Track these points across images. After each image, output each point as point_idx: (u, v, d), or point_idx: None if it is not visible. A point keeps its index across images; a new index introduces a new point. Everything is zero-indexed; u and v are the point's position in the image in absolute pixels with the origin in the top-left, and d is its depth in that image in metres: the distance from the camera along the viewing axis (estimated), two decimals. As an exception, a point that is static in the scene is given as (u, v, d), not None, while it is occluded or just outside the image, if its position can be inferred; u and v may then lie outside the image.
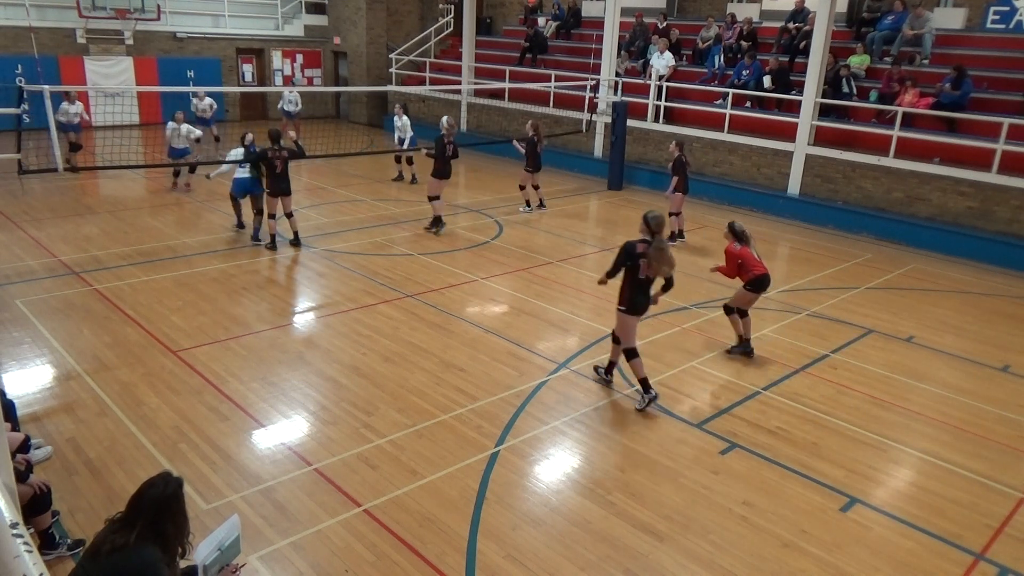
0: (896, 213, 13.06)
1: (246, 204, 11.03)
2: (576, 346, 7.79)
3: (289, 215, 10.48)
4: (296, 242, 10.58)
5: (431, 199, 11.65)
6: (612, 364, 6.89)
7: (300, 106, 18.82)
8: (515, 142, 13.79)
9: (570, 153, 17.89)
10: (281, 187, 10.18)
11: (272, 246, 10.38)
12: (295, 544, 4.59)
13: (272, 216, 10.36)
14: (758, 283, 7.51)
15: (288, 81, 23.74)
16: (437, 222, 11.66)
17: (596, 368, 7.09)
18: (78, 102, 14.86)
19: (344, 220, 12.21)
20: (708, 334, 8.24)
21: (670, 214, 11.55)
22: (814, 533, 4.97)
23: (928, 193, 12.73)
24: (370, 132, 21.54)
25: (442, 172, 11.59)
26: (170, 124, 13.49)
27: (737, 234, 7.60)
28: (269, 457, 5.50)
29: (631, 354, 6.49)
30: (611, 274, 6.51)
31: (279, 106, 19.07)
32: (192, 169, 13.73)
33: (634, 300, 6.42)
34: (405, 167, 15.58)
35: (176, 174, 13.94)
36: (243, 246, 10.61)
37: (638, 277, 6.36)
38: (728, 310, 7.75)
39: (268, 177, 10.10)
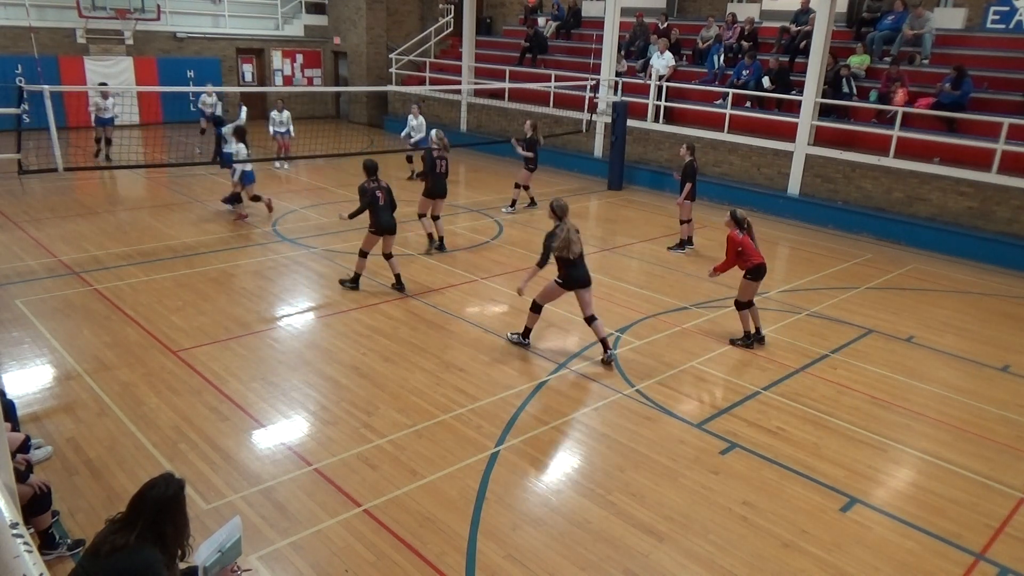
0: (896, 213, 13.06)
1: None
2: (576, 346, 7.79)
3: (388, 256, 8.95)
4: (399, 285, 9.00)
5: (420, 216, 10.75)
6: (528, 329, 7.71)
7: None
8: (515, 143, 13.46)
9: (570, 153, 17.90)
10: (384, 223, 8.72)
11: (355, 285, 9.01)
12: (295, 544, 4.59)
13: (364, 255, 8.91)
14: (757, 272, 7.69)
15: (289, 81, 23.72)
16: (431, 240, 10.74)
17: (516, 336, 7.77)
18: (111, 97, 15.40)
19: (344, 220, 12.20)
20: (708, 334, 8.24)
21: (681, 222, 11.43)
22: (814, 533, 4.97)
23: (928, 193, 12.73)
24: (370, 132, 21.57)
25: (433, 190, 10.55)
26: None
27: (739, 222, 7.74)
28: (269, 457, 5.50)
29: (537, 308, 7.57)
30: (542, 264, 7.35)
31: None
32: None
33: (571, 275, 7.26)
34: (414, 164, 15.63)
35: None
36: (243, 246, 10.61)
37: (565, 257, 7.22)
38: (740, 306, 7.88)
39: (371, 214, 8.68)
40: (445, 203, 11.02)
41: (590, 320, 7.36)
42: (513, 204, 13.46)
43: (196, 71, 21.28)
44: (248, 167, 11.68)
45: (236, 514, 4.30)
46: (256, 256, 10.20)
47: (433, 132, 10.98)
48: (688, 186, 11.03)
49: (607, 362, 7.32)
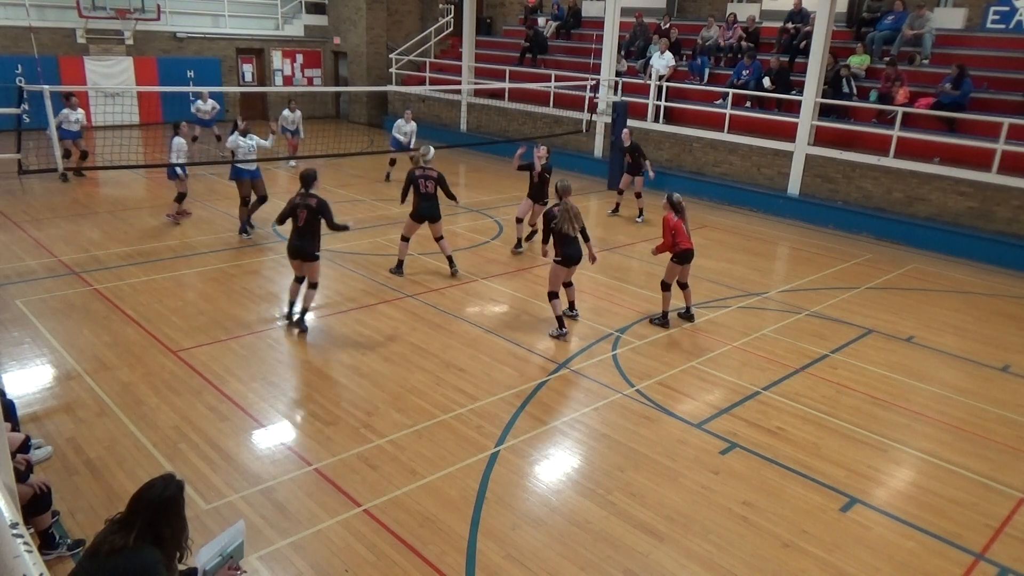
0: (896, 213, 13.06)
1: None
2: (576, 346, 7.79)
3: (312, 286, 7.80)
4: (300, 323, 7.78)
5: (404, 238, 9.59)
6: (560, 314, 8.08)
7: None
8: (645, 169, 12.78)
9: (570, 153, 17.87)
10: (290, 245, 7.68)
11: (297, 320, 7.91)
12: (295, 544, 4.59)
13: (300, 281, 7.90)
14: (684, 256, 8.18)
15: (289, 81, 23.70)
16: (399, 264, 9.70)
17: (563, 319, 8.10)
18: (80, 108, 13.84)
19: (344, 220, 12.18)
20: (707, 334, 8.25)
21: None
22: (814, 533, 4.97)
23: (928, 193, 12.73)
24: (370, 132, 21.57)
25: (419, 213, 9.37)
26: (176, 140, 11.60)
27: (675, 206, 8.11)
28: (269, 457, 5.50)
29: (554, 296, 7.94)
30: (545, 240, 7.89)
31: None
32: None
33: (567, 254, 7.77)
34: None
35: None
36: (243, 246, 10.60)
37: (564, 235, 7.70)
38: (664, 286, 8.33)
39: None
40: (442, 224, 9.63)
41: (566, 285, 8.19)
42: (640, 213, 13.29)
43: (196, 71, 21.28)
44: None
45: (240, 517, 4.30)
46: (256, 256, 10.20)
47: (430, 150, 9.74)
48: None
49: (572, 317, 8.34)
